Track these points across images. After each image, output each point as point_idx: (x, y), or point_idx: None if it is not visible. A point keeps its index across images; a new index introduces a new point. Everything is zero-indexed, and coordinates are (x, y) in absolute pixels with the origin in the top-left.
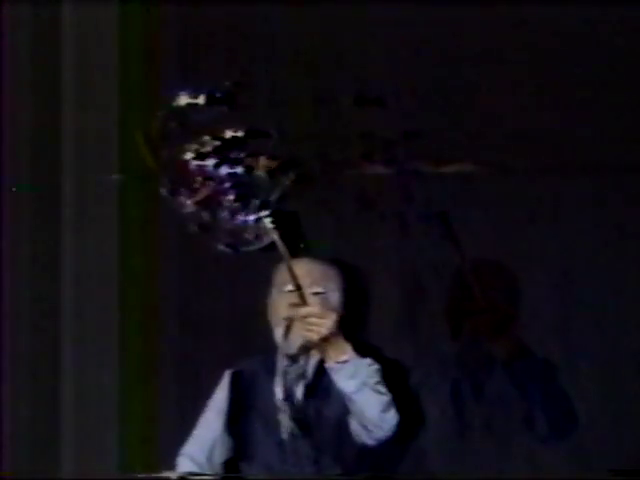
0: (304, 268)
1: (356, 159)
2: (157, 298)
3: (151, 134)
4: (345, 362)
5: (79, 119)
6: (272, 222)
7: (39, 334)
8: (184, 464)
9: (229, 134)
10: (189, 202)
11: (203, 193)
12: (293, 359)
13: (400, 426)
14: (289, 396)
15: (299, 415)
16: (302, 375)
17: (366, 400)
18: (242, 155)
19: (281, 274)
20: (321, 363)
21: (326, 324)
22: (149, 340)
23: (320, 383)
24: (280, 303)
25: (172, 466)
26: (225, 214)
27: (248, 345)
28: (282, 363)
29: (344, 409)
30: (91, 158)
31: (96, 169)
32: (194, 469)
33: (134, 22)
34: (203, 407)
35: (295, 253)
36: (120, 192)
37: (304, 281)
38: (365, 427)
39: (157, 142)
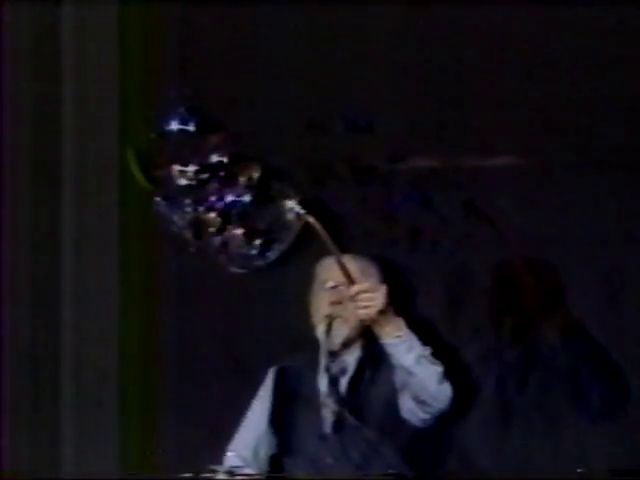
0: (346, 264)
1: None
2: (158, 298)
3: (142, 154)
4: (401, 337)
5: (79, 119)
6: (303, 208)
7: (39, 333)
8: (232, 461)
9: (215, 159)
10: (177, 218)
11: (193, 214)
12: (335, 355)
13: (454, 400)
14: (332, 391)
15: (343, 410)
16: (344, 370)
17: (425, 371)
18: (229, 178)
19: (323, 270)
20: (362, 358)
21: (379, 297)
22: (149, 339)
23: (362, 377)
24: (322, 300)
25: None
26: (218, 238)
27: (248, 344)
28: (324, 359)
29: (388, 402)
30: (91, 158)
31: (96, 169)
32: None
33: (134, 22)
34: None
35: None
36: (121, 192)
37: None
38: (423, 402)
39: (149, 162)
